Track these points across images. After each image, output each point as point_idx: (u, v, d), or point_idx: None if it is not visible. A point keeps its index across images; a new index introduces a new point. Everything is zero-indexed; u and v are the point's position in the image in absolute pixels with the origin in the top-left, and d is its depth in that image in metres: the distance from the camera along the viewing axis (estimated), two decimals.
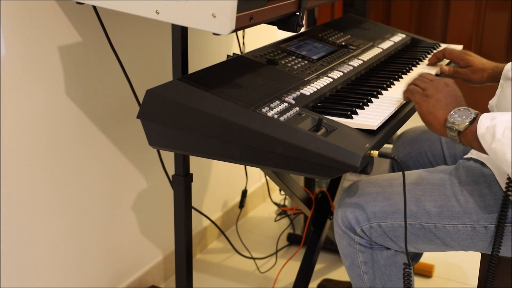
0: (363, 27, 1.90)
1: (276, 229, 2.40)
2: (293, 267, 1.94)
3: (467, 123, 1.12)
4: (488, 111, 1.33)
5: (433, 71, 1.59)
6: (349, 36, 1.76)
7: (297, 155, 1.07)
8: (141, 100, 1.19)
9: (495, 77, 1.55)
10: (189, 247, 1.44)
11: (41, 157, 1.49)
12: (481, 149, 1.11)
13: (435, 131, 1.18)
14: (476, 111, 1.14)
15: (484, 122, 1.10)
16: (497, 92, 1.31)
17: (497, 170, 1.24)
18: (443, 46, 1.87)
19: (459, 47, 1.80)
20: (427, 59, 1.70)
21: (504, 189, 1.19)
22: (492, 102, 1.32)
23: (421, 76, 1.27)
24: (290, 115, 1.14)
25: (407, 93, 1.25)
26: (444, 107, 1.16)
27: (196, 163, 1.88)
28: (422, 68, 1.63)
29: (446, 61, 1.68)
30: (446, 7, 3.44)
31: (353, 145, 1.08)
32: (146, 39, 1.76)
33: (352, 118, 1.19)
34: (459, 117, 1.13)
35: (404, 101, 1.31)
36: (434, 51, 1.78)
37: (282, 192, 2.40)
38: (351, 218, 1.30)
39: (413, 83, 1.25)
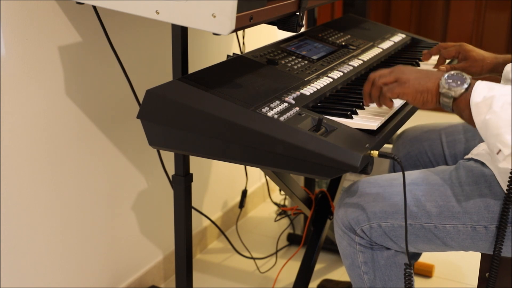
0: (363, 27, 1.90)
1: (276, 229, 2.40)
2: (293, 267, 1.94)
3: (464, 90, 1.09)
4: None
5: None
6: (349, 36, 1.76)
7: (297, 155, 1.07)
8: (141, 100, 1.19)
9: (495, 68, 1.53)
10: (189, 247, 1.44)
11: (41, 157, 1.49)
12: (471, 119, 1.08)
13: (431, 105, 1.14)
14: (470, 76, 1.10)
15: (481, 91, 1.07)
16: None
17: (498, 170, 1.24)
18: (445, 44, 1.86)
19: (463, 43, 1.78)
20: (427, 61, 1.69)
21: (506, 190, 1.19)
22: None
23: (375, 76, 1.20)
24: (290, 115, 1.14)
25: (390, 96, 1.17)
26: (426, 79, 1.13)
27: (196, 163, 1.88)
28: (422, 68, 1.63)
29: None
30: (446, 7, 3.44)
31: (353, 145, 1.08)
32: (146, 39, 1.76)
33: (352, 118, 1.19)
34: (454, 82, 1.09)
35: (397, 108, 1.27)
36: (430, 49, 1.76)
37: (282, 192, 2.40)
38: (351, 218, 1.30)
39: (380, 84, 1.18)
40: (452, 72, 1.12)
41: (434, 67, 1.62)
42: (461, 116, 1.12)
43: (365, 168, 1.08)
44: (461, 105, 1.10)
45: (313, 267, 1.75)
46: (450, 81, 1.10)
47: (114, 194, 1.76)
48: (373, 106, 1.28)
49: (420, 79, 1.14)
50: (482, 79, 1.16)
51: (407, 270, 1.21)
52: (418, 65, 1.64)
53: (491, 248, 1.24)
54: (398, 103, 1.28)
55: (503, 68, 1.49)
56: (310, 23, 2.18)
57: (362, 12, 3.06)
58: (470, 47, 1.59)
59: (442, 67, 1.59)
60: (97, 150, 1.66)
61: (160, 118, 1.16)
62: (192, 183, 1.42)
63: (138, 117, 1.18)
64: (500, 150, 1.03)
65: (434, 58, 1.66)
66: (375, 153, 1.08)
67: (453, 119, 1.50)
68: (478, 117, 1.06)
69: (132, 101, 1.64)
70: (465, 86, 1.09)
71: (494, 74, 1.55)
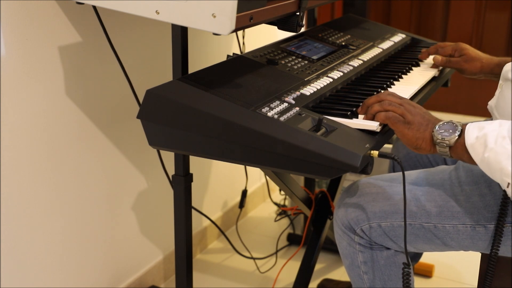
0: (363, 27, 1.90)
1: (276, 229, 2.40)
2: (293, 267, 1.94)
3: (457, 137, 1.10)
4: (487, 111, 1.33)
5: (431, 72, 1.59)
6: (349, 36, 1.76)
7: (297, 155, 1.07)
8: (141, 100, 1.19)
9: (489, 70, 1.54)
10: (189, 247, 1.44)
11: (41, 157, 1.49)
12: (472, 161, 1.10)
13: (425, 152, 1.16)
14: (460, 122, 1.13)
15: (472, 132, 1.09)
16: (497, 92, 1.31)
17: None
18: (443, 43, 1.86)
19: (460, 42, 1.79)
20: (425, 60, 1.69)
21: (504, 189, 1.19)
22: (491, 103, 1.31)
23: (386, 99, 1.19)
24: (290, 115, 1.14)
25: (389, 121, 1.16)
26: (425, 127, 1.14)
27: (196, 163, 1.88)
28: (422, 68, 1.63)
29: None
30: (446, 7, 3.44)
31: (353, 145, 1.08)
32: (146, 39, 1.76)
33: (352, 118, 1.19)
34: (446, 132, 1.11)
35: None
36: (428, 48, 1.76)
37: (282, 192, 2.40)
38: (351, 218, 1.30)
39: (387, 109, 1.17)
40: (443, 122, 1.13)
41: (431, 67, 1.62)
42: (462, 160, 1.13)
43: (365, 168, 1.08)
44: (458, 151, 1.12)
45: (313, 267, 1.75)
46: (442, 131, 1.12)
47: (114, 194, 1.76)
48: None
49: (421, 125, 1.14)
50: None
51: (405, 269, 1.21)
52: (418, 65, 1.64)
53: (490, 248, 1.24)
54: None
55: (497, 70, 1.50)
56: (310, 23, 2.18)
57: (362, 12, 3.07)
58: (466, 46, 1.59)
59: (438, 57, 1.60)
60: (97, 150, 1.66)
61: (160, 118, 1.16)
62: (192, 183, 1.42)
63: (138, 117, 1.18)
64: (509, 183, 1.05)
65: (432, 57, 1.66)
66: (375, 153, 1.08)
67: (452, 119, 1.50)
68: (476, 157, 1.08)
69: (132, 101, 1.64)
70: (458, 133, 1.11)
71: (489, 75, 1.56)
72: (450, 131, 1.11)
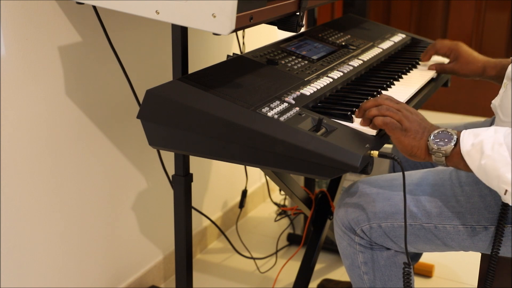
0: (363, 27, 1.90)
1: (276, 229, 2.40)
2: (293, 267, 1.94)
3: (453, 146, 1.10)
4: (491, 110, 1.32)
5: (431, 72, 1.59)
6: (349, 36, 1.76)
7: (297, 155, 1.07)
8: (141, 100, 1.19)
9: (486, 72, 1.54)
10: (189, 247, 1.44)
11: (41, 157, 1.49)
12: (468, 168, 1.09)
13: (419, 160, 1.15)
14: (455, 130, 1.12)
15: (467, 139, 1.08)
16: (501, 91, 1.31)
17: None
18: (442, 40, 1.86)
19: (459, 42, 1.79)
20: (427, 61, 1.69)
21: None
22: (495, 102, 1.30)
23: (384, 104, 1.18)
24: (290, 115, 1.14)
25: (386, 126, 1.15)
26: (421, 135, 1.13)
27: (196, 163, 1.88)
28: (422, 68, 1.63)
29: (437, 58, 1.68)
30: (446, 7, 3.44)
31: (353, 145, 1.08)
32: (146, 39, 1.76)
33: (351, 118, 1.19)
34: (442, 141, 1.10)
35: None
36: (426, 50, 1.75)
37: (282, 192, 2.40)
38: (351, 218, 1.30)
39: (384, 114, 1.16)
40: (437, 131, 1.12)
41: (429, 68, 1.61)
42: (458, 168, 1.13)
43: (365, 168, 1.08)
44: (454, 160, 1.11)
45: (313, 267, 1.75)
46: (438, 140, 1.11)
47: (114, 194, 1.76)
48: None
49: (417, 133, 1.13)
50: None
51: (406, 269, 1.21)
52: (418, 65, 1.64)
53: (490, 248, 1.24)
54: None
55: (493, 72, 1.50)
56: (310, 23, 2.18)
57: (362, 12, 3.06)
58: (464, 48, 1.59)
59: (432, 67, 1.59)
60: (97, 150, 1.66)
61: (160, 118, 1.16)
62: (192, 183, 1.42)
63: (138, 117, 1.18)
64: (506, 190, 1.04)
65: (433, 60, 1.67)
66: (375, 153, 1.08)
67: (452, 119, 1.50)
68: (473, 164, 1.07)
69: (132, 101, 1.64)
70: (453, 142, 1.10)
71: (484, 78, 1.56)
72: (446, 140, 1.10)
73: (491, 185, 1.07)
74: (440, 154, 1.10)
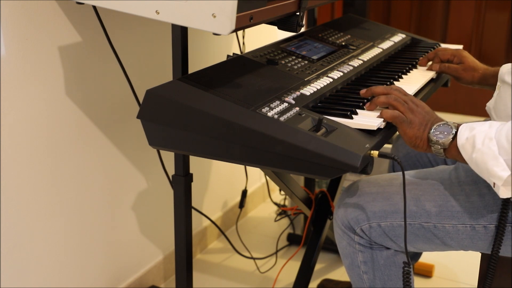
0: (363, 27, 1.90)
1: (276, 229, 2.40)
2: (293, 267, 1.94)
3: (451, 139, 1.13)
4: (486, 113, 1.33)
5: (431, 72, 1.59)
6: (349, 36, 1.76)
7: (297, 155, 1.07)
8: (141, 100, 1.19)
9: (484, 80, 1.55)
10: (189, 247, 1.44)
11: (41, 157, 1.49)
12: (465, 161, 1.12)
13: (422, 150, 1.19)
14: (455, 123, 1.15)
15: (464, 133, 1.12)
16: (495, 94, 1.32)
17: None
18: (443, 46, 1.87)
19: (459, 47, 1.80)
20: (425, 66, 1.68)
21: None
22: (489, 104, 1.32)
23: (393, 94, 1.22)
24: (290, 115, 1.14)
25: (394, 120, 1.18)
26: (424, 127, 1.17)
27: (196, 163, 1.88)
28: (422, 68, 1.63)
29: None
30: (446, 7, 3.44)
31: (353, 145, 1.08)
32: (146, 39, 1.76)
33: (352, 118, 1.19)
34: (441, 134, 1.14)
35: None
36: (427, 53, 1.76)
37: (282, 192, 2.40)
38: (351, 218, 1.30)
39: (392, 104, 1.20)
40: (438, 124, 1.16)
41: (428, 69, 1.61)
42: (457, 160, 1.16)
43: (365, 168, 1.08)
44: (452, 152, 1.15)
45: (313, 267, 1.75)
46: (438, 133, 1.15)
47: (114, 194, 1.76)
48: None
49: (421, 125, 1.17)
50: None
51: (406, 268, 1.21)
52: (415, 67, 1.64)
53: (490, 248, 1.24)
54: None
55: (493, 80, 1.50)
56: (310, 23, 2.18)
57: (362, 12, 3.06)
58: (466, 54, 1.60)
59: (435, 65, 1.60)
60: (97, 150, 1.66)
61: (160, 118, 1.16)
62: (192, 183, 1.42)
63: (138, 117, 1.18)
64: (494, 183, 1.08)
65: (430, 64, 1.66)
66: (375, 153, 1.08)
67: (452, 119, 1.50)
68: (466, 157, 1.11)
69: (132, 101, 1.64)
70: (451, 135, 1.13)
71: (482, 85, 1.57)
72: (445, 133, 1.14)
73: (483, 177, 1.11)
74: (439, 146, 1.14)
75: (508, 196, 1.09)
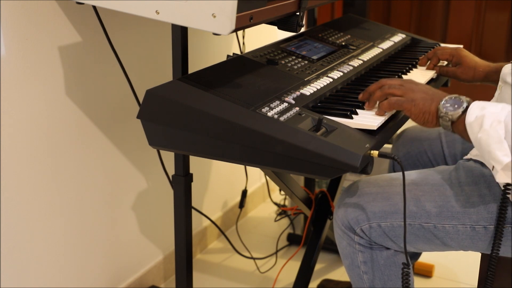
0: (363, 27, 1.90)
1: (276, 229, 2.40)
2: (293, 267, 1.94)
3: (460, 113, 1.12)
4: None
5: (431, 72, 1.59)
6: (349, 36, 1.76)
7: (297, 155, 1.07)
8: (141, 100, 1.19)
9: (487, 77, 1.54)
10: (189, 247, 1.44)
11: (41, 157, 1.49)
12: (469, 139, 1.12)
13: (431, 126, 1.18)
14: (468, 99, 1.14)
15: (474, 111, 1.10)
16: (496, 94, 1.32)
17: None
18: (442, 46, 1.87)
19: (459, 47, 1.79)
20: (425, 65, 1.68)
21: (502, 189, 1.19)
22: None
23: (386, 84, 1.23)
24: (290, 115, 1.14)
25: (393, 106, 1.19)
26: (430, 102, 1.16)
27: (196, 163, 1.88)
28: (422, 68, 1.63)
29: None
30: (446, 7, 3.44)
31: (353, 145, 1.08)
32: (146, 39, 1.76)
33: (352, 118, 1.19)
34: (451, 106, 1.13)
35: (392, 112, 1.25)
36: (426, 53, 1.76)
37: (282, 192, 2.40)
38: (351, 218, 1.30)
39: (388, 92, 1.21)
40: (450, 96, 1.15)
41: (427, 68, 1.61)
42: (463, 137, 1.15)
43: (365, 168, 1.08)
44: (460, 127, 1.14)
45: (313, 267, 1.75)
46: (448, 105, 1.14)
47: (114, 194, 1.76)
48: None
49: (425, 100, 1.17)
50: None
51: (405, 269, 1.21)
52: (415, 67, 1.64)
53: (490, 248, 1.24)
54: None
55: (494, 77, 1.50)
56: (310, 23, 2.18)
57: (362, 12, 3.06)
58: (465, 52, 1.59)
59: (436, 69, 1.60)
60: (97, 150, 1.66)
61: (160, 118, 1.16)
62: (192, 183, 1.42)
63: (138, 117, 1.18)
64: (494, 167, 1.07)
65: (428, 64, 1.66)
66: (375, 153, 1.08)
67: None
68: (472, 135, 1.10)
69: (132, 101, 1.64)
70: (462, 109, 1.12)
71: (485, 82, 1.56)
72: (456, 106, 1.13)
73: (484, 159, 1.10)
74: (447, 118, 1.13)
75: (506, 181, 1.08)
